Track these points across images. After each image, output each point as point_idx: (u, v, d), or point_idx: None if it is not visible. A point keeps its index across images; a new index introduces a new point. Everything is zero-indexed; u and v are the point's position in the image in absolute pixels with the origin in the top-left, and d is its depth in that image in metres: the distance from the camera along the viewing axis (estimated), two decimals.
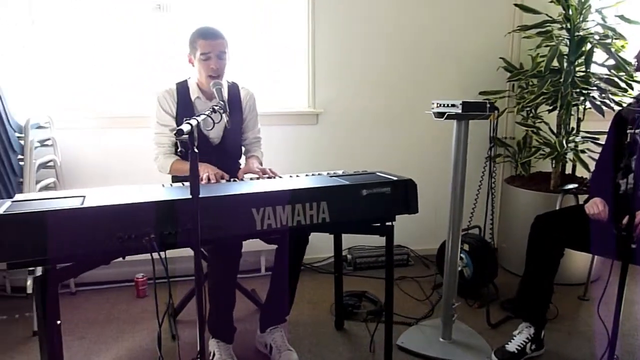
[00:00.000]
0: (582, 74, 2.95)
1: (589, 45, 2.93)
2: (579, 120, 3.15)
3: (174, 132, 1.33)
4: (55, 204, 1.48)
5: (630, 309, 2.70)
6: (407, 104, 3.36)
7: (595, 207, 2.08)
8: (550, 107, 3.08)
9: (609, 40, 2.90)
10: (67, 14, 2.86)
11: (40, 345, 1.53)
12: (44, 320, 1.48)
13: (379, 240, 2.01)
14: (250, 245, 1.98)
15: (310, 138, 3.27)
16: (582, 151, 3.01)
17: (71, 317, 2.58)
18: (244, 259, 2.07)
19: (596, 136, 2.98)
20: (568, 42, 3.01)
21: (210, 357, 2.04)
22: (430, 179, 3.12)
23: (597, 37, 2.94)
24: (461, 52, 3.39)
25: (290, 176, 2.07)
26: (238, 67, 2.96)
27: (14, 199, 1.59)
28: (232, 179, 2.04)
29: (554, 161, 3.07)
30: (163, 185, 1.86)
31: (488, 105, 2.12)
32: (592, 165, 2.49)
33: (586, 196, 2.28)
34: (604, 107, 2.83)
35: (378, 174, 2.04)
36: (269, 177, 2.08)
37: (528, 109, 3.21)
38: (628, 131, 2.12)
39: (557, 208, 2.70)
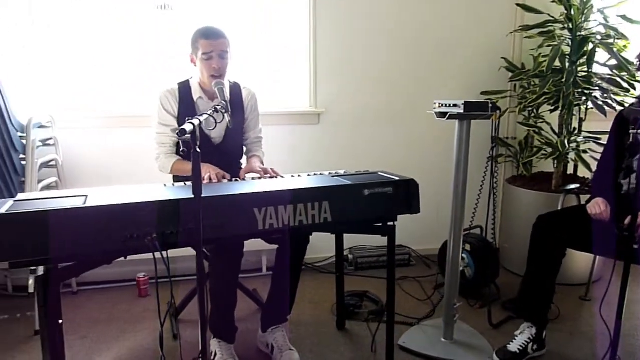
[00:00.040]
0: (584, 74, 2.94)
1: (591, 45, 2.93)
2: (580, 121, 3.14)
3: (176, 132, 1.32)
4: (57, 203, 1.48)
5: (632, 309, 2.69)
6: (409, 104, 3.36)
7: (598, 207, 2.07)
8: (552, 107, 3.07)
9: (611, 40, 2.90)
10: (69, 14, 2.86)
11: (42, 344, 1.53)
12: (46, 319, 1.49)
13: (380, 240, 2.01)
14: (252, 245, 1.98)
15: (312, 138, 3.27)
16: (584, 151, 3.00)
17: (73, 316, 2.58)
18: (245, 259, 2.08)
19: (598, 136, 2.97)
20: (570, 42, 3.00)
21: (212, 357, 2.04)
22: (431, 178, 3.12)
23: (599, 37, 2.93)
24: (463, 52, 3.39)
25: (292, 176, 2.07)
26: (240, 67, 2.97)
27: (16, 198, 1.59)
28: (233, 179, 2.04)
29: (555, 161, 3.06)
30: (165, 185, 1.86)
31: (490, 105, 2.12)
32: (594, 166, 2.49)
33: (588, 196, 2.27)
34: (606, 107, 2.82)
35: (380, 173, 2.04)
36: (270, 177, 2.08)
37: (530, 109, 3.20)
38: (630, 131, 2.12)
39: (559, 208, 2.70)
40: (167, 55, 3.02)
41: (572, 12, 2.93)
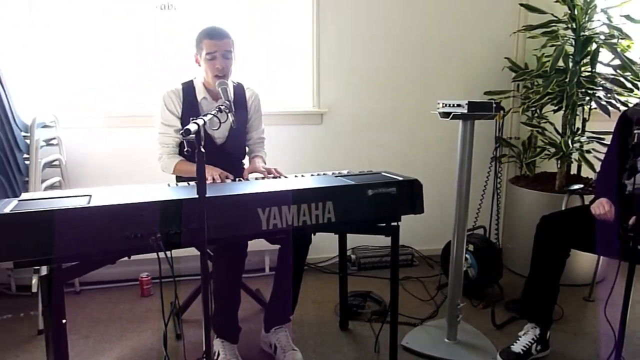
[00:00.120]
0: (587, 74, 2.94)
1: (594, 45, 2.92)
2: (584, 121, 3.13)
3: (181, 132, 1.32)
4: (61, 203, 1.48)
5: (637, 309, 2.69)
6: (412, 104, 3.35)
7: (602, 207, 2.07)
8: (556, 107, 3.07)
9: (614, 40, 2.89)
10: (69, 14, 2.86)
11: (46, 344, 1.53)
12: (50, 319, 1.49)
13: (383, 241, 2.01)
14: (255, 245, 1.98)
15: (315, 138, 3.27)
16: (588, 151, 2.99)
17: (75, 316, 2.59)
18: (247, 259, 2.07)
19: (602, 136, 2.97)
20: (573, 42, 3.00)
21: (215, 357, 2.04)
22: (435, 179, 3.12)
23: (602, 37, 2.92)
24: (466, 52, 3.38)
25: (296, 176, 2.07)
26: (244, 67, 2.97)
27: (21, 198, 1.59)
28: (237, 179, 2.04)
29: (559, 161, 3.06)
30: (169, 185, 1.87)
31: (494, 105, 2.11)
32: (597, 166, 2.48)
33: (592, 196, 2.27)
34: (610, 107, 2.82)
35: (383, 174, 2.04)
36: (274, 177, 2.08)
37: (533, 109, 3.20)
38: (634, 131, 2.11)
39: (563, 208, 2.69)
40: (167, 55, 3.02)
41: (576, 12, 2.93)
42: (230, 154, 2.38)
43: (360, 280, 3.07)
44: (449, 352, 2.24)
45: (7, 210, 1.39)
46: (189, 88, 2.29)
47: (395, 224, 1.94)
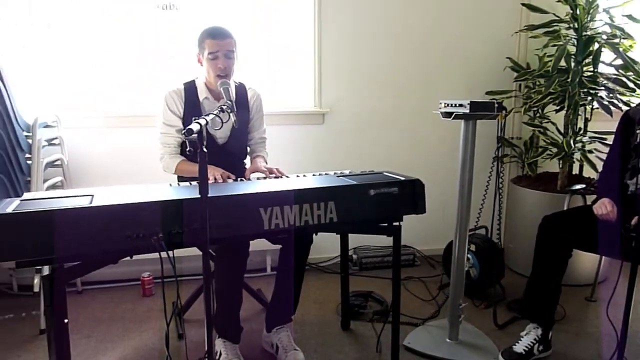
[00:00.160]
0: (589, 73, 2.93)
1: (596, 45, 2.92)
2: (586, 121, 3.13)
3: (183, 132, 1.32)
4: (63, 203, 1.48)
5: (639, 310, 2.68)
6: (414, 104, 3.35)
7: (604, 207, 2.06)
8: (558, 107, 3.06)
9: (616, 40, 2.88)
10: (73, 14, 2.87)
11: (48, 343, 1.53)
12: (52, 319, 1.49)
13: (384, 240, 2.01)
14: (256, 244, 1.98)
15: (317, 138, 3.27)
16: (590, 151, 2.99)
17: (77, 315, 2.59)
18: (249, 259, 2.07)
19: (604, 136, 2.96)
20: (575, 42, 2.99)
21: (217, 357, 2.04)
22: (437, 179, 3.12)
23: (604, 36, 2.92)
24: (468, 52, 3.38)
25: (297, 176, 2.07)
26: (246, 67, 2.97)
27: (23, 197, 1.60)
28: (239, 179, 2.04)
29: (561, 161, 3.05)
30: (170, 185, 1.86)
31: (496, 105, 2.11)
32: (599, 166, 2.48)
33: (594, 196, 2.26)
34: (612, 107, 2.81)
35: (385, 173, 2.04)
36: (276, 177, 2.08)
37: (535, 109, 3.19)
38: (636, 131, 2.12)
39: (565, 208, 2.69)
40: (168, 55, 3.02)
41: (578, 12, 2.92)
42: (232, 153, 2.38)
43: (361, 280, 3.07)
44: (451, 352, 2.24)
45: (9, 210, 1.39)
46: (190, 88, 2.29)
47: (397, 224, 1.94)
